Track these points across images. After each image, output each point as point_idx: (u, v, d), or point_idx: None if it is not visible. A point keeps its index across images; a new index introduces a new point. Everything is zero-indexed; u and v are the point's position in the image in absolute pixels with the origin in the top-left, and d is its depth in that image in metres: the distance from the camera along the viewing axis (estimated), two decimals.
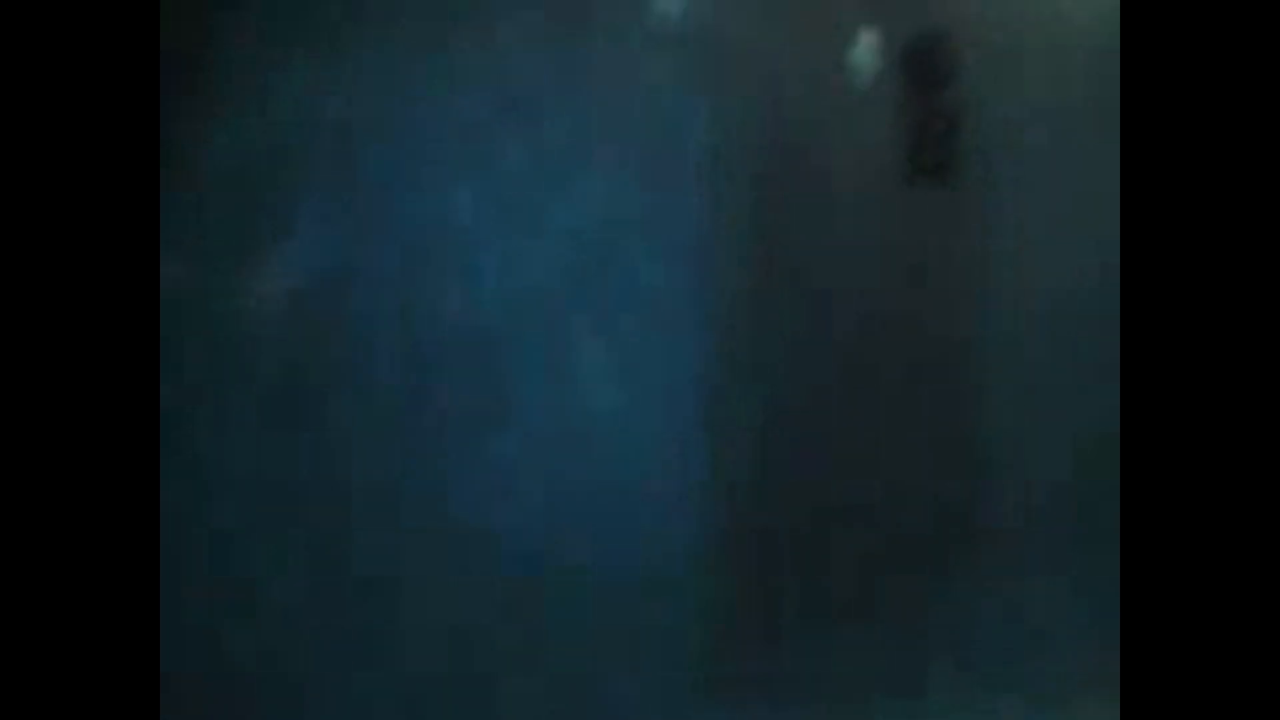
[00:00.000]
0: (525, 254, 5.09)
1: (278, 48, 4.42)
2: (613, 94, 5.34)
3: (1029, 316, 6.15)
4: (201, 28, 4.12)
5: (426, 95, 4.82)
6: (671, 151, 5.67)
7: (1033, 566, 6.07)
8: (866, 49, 5.90)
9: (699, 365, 5.74)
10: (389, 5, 4.74)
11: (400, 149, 4.73)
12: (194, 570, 4.09)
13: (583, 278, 5.23)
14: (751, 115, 6.09)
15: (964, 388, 6.30)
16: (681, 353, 5.68)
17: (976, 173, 6.05)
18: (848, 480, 6.39)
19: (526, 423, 5.05)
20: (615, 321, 5.38)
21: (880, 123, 6.31)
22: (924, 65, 6.06)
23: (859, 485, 6.36)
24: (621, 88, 5.38)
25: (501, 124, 4.98)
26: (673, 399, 5.68)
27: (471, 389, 4.92)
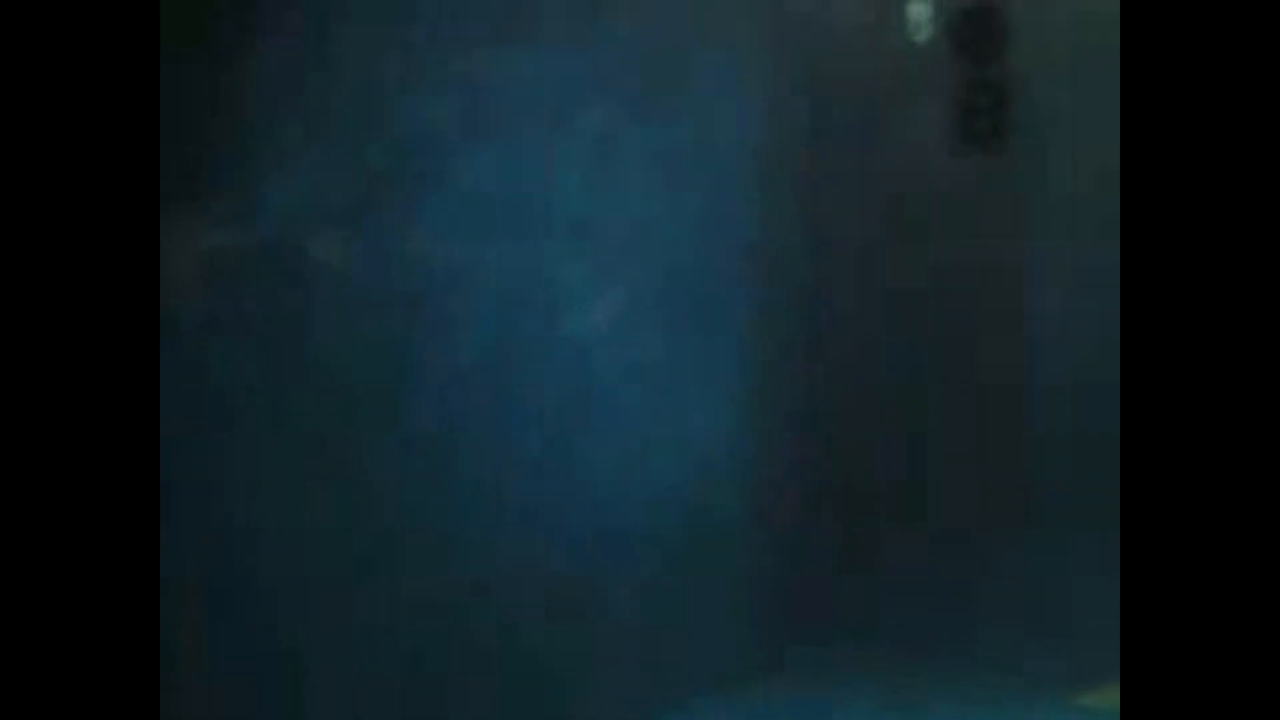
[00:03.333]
0: (573, 245, 5.11)
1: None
2: (660, 70, 5.38)
3: (1074, 291, 6.15)
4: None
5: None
6: (723, 124, 5.72)
7: (1075, 545, 6.08)
8: (921, 11, 5.95)
9: (751, 336, 5.81)
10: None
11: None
12: (194, 570, 4.09)
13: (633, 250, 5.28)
14: (807, 87, 6.15)
15: (1012, 360, 6.31)
16: (733, 325, 5.75)
17: (1024, 144, 6.07)
18: (898, 455, 6.43)
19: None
20: (667, 298, 5.42)
21: (931, 92, 6.34)
22: (973, 36, 6.08)
23: (906, 459, 6.40)
24: (673, 61, 5.43)
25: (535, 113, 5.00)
26: (723, 372, 5.73)
27: (498, 386, 4.92)
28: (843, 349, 6.32)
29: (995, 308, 6.23)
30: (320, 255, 4.28)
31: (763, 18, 5.85)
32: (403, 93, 4.48)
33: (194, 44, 3.87)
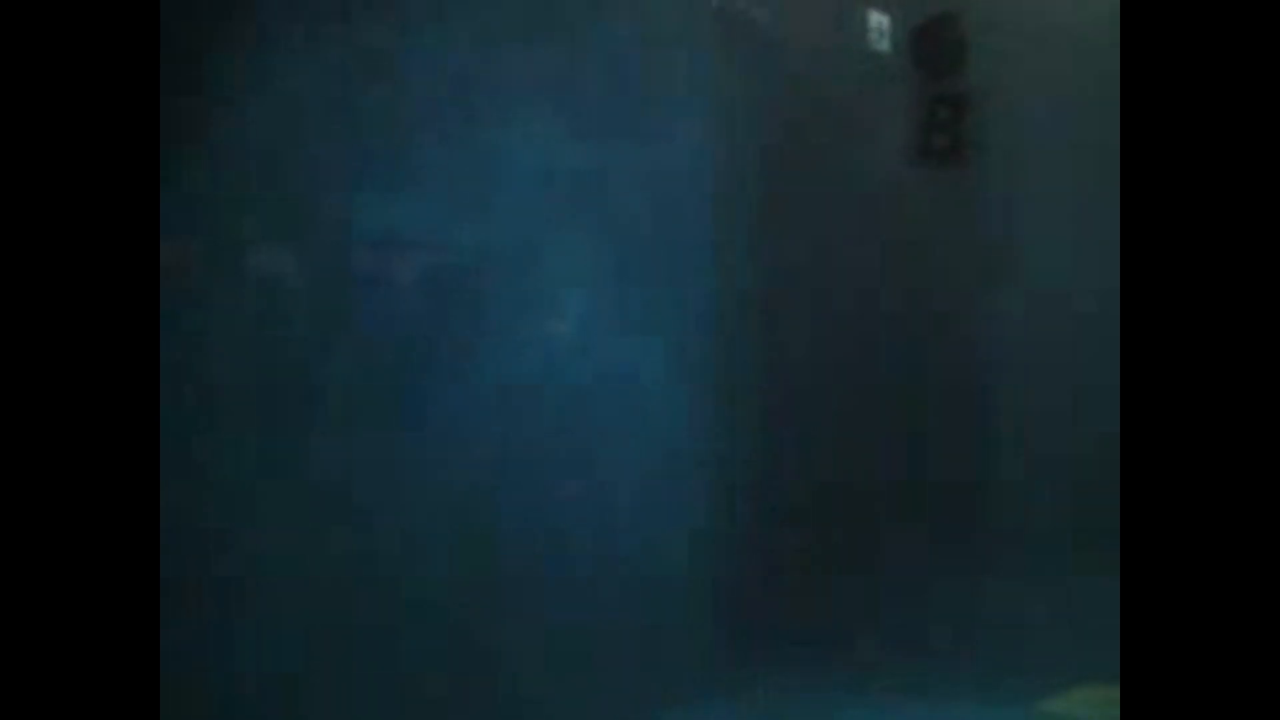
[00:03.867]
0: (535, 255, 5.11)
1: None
2: (624, 71, 5.38)
3: (1036, 300, 6.15)
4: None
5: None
6: (684, 132, 5.71)
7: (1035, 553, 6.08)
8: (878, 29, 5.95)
9: (709, 348, 5.80)
10: None
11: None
12: (194, 570, 4.08)
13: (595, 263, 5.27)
14: (764, 97, 6.12)
15: (969, 374, 6.30)
16: (691, 337, 5.73)
17: (983, 157, 6.06)
18: (853, 463, 6.42)
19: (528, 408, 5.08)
20: (625, 309, 5.41)
21: (890, 106, 6.34)
22: (933, 50, 6.06)
23: (863, 467, 6.39)
24: (635, 67, 5.43)
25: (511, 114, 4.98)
26: (684, 381, 5.72)
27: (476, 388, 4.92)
28: (800, 358, 6.31)
29: (953, 315, 6.23)
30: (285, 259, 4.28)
31: (718, 32, 5.83)
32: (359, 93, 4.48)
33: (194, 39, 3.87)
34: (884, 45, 6.10)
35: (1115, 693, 5.59)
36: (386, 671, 4.52)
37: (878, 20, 6.11)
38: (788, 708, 5.51)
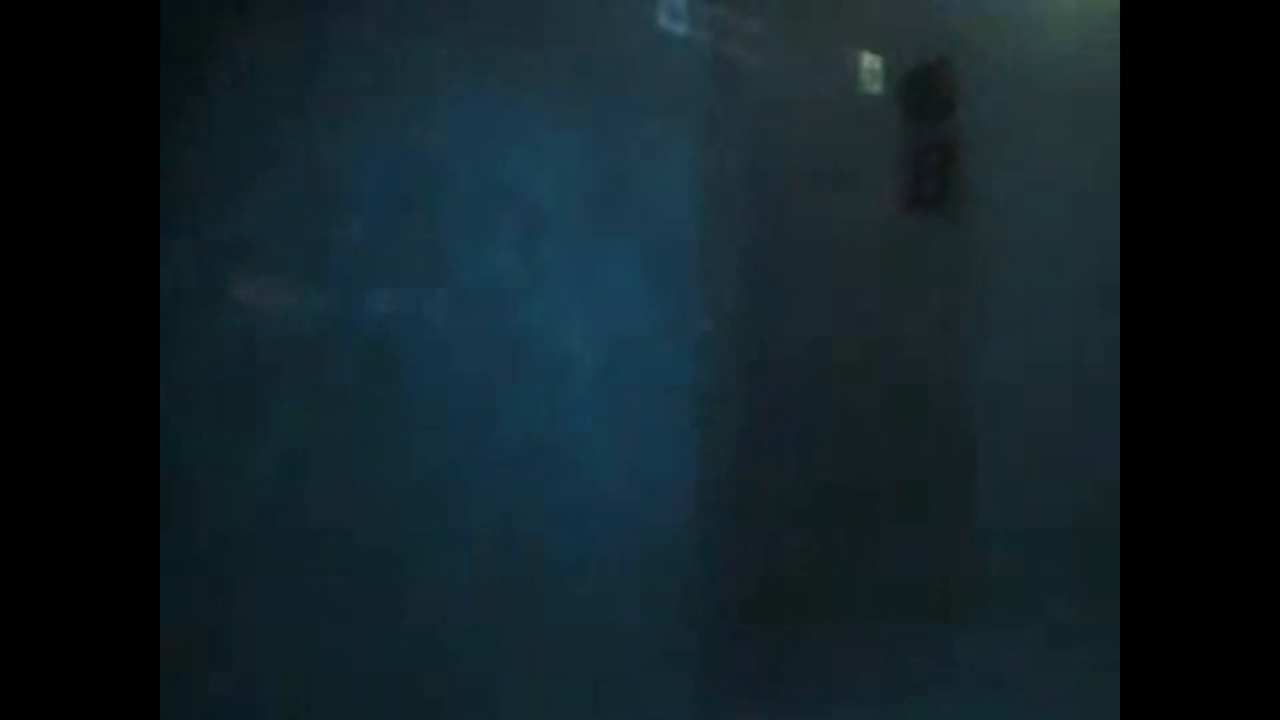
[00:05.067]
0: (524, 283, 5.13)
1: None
2: (614, 109, 5.39)
3: (1027, 348, 6.16)
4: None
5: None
6: (672, 168, 5.71)
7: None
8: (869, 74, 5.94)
9: (693, 380, 5.80)
10: None
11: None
12: (194, 571, 4.08)
13: (583, 291, 5.28)
14: (754, 138, 6.12)
15: (960, 414, 6.32)
16: (675, 369, 5.74)
17: (974, 203, 6.06)
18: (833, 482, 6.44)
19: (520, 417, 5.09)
20: (607, 331, 5.42)
21: (880, 151, 6.33)
22: (922, 95, 6.05)
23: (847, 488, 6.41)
24: (624, 101, 5.42)
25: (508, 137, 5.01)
26: (666, 407, 5.73)
27: (466, 390, 4.94)
28: (788, 400, 6.33)
29: (947, 359, 6.24)
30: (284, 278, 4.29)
31: (705, 75, 5.84)
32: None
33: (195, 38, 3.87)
34: (876, 89, 6.10)
35: None
36: None
37: (870, 62, 6.09)
38: None
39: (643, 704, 5.41)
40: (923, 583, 6.09)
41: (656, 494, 5.62)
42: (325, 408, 4.45)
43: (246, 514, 4.19)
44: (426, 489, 4.75)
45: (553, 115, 5.20)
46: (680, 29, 5.58)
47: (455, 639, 4.77)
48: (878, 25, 6.07)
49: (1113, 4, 5.77)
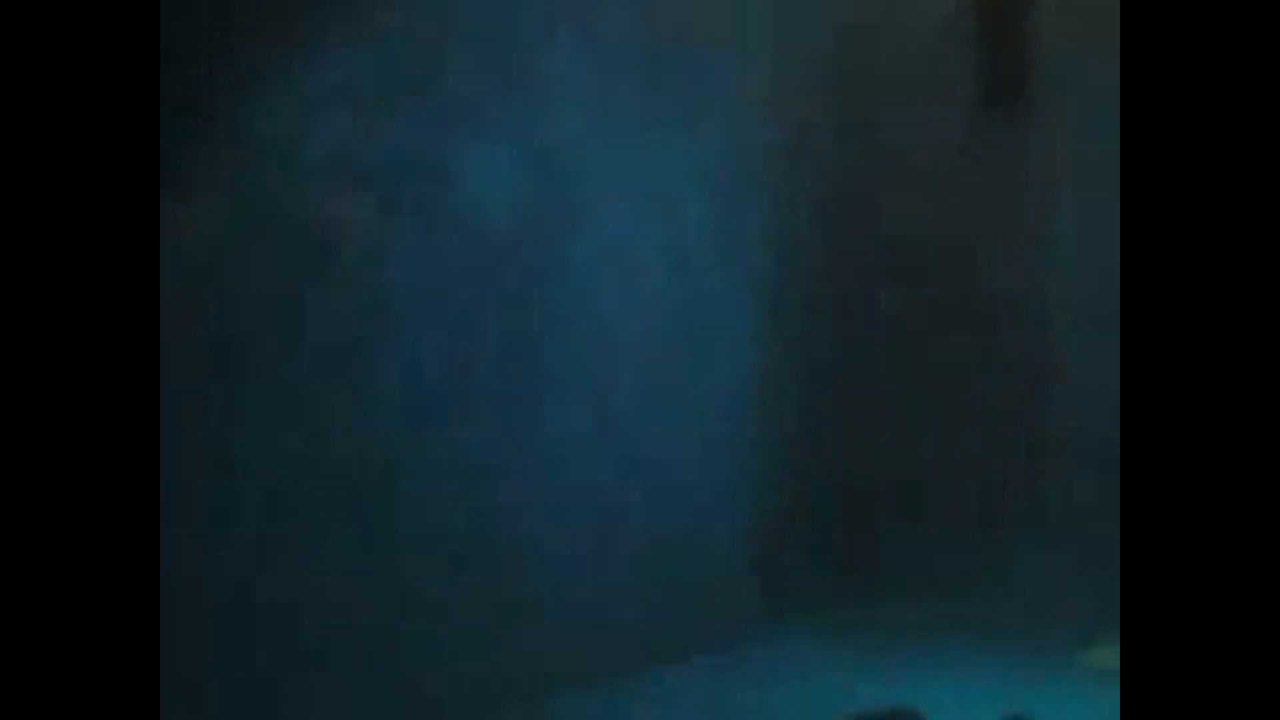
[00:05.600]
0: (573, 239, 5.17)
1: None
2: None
3: (1096, 264, 6.09)
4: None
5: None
6: (737, 78, 5.75)
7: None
8: None
9: (762, 301, 5.86)
10: None
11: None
12: (193, 564, 4.08)
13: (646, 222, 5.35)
14: (823, 41, 6.15)
15: (1030, 329, 6.28)
16: (742, 295, 5.80)
17: (1050, 107, 6.02)
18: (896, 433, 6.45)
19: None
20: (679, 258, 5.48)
21: (956, 52, 6.33)
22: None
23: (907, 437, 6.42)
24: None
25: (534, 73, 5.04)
26: (731, 342, 5.79)
27: (514, 369, 4.96)
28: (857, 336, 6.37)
29: (1013, 294, 6.21)
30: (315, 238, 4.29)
31: None
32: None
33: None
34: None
35: None
36: None
37: None
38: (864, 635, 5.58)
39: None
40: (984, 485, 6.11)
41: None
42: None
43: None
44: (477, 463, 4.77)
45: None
46: None
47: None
48: None
49: None
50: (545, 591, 5.01)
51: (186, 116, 3.66)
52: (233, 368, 4.01)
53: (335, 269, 4.31)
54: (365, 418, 4.41)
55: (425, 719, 4.59)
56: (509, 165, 4.85)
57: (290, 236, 4.19)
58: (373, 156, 4.45)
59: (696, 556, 5.62)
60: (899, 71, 6.32)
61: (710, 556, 5.68)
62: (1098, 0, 5.98)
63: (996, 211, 6.24)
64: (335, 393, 4.31)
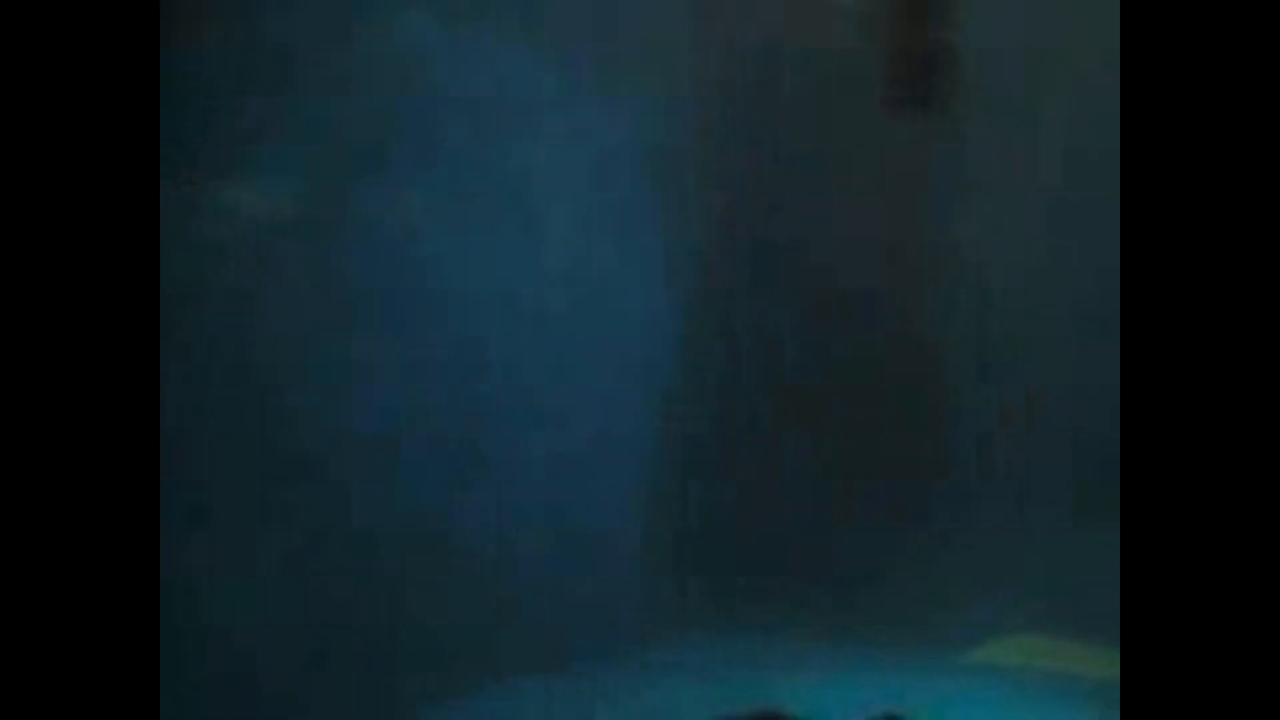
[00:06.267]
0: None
1: None
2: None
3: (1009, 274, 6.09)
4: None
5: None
6: (660, 78, 5.70)
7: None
8: None
9: (672, 303, 5.83)
10: None
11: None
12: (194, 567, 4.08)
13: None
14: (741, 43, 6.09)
15: (936, 322, 6.26)
16: (655, 295, 5.76)
17: (960, 107, 5.98)
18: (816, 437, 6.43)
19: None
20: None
21: (868, 52, 6.28)
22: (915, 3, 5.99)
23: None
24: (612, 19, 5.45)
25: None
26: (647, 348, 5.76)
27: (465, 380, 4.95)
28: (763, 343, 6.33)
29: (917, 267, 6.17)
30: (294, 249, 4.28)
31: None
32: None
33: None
34: None
35: (1044, 643, 5.62)
36: None
37: None
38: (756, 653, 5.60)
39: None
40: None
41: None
42: None
43: None
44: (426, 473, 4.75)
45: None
46: None
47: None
48: None
49: None
50: (452, 591, 4.98)
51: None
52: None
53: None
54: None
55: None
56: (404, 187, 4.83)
57: None
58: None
59: (603, 559, 5.58)
60: (808, 72, 6.23)
61: (616, 559, 5.65)
62: (1011, 4, 5.95)
63: (900, 213, 6.21)
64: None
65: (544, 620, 5.34)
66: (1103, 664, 5.32)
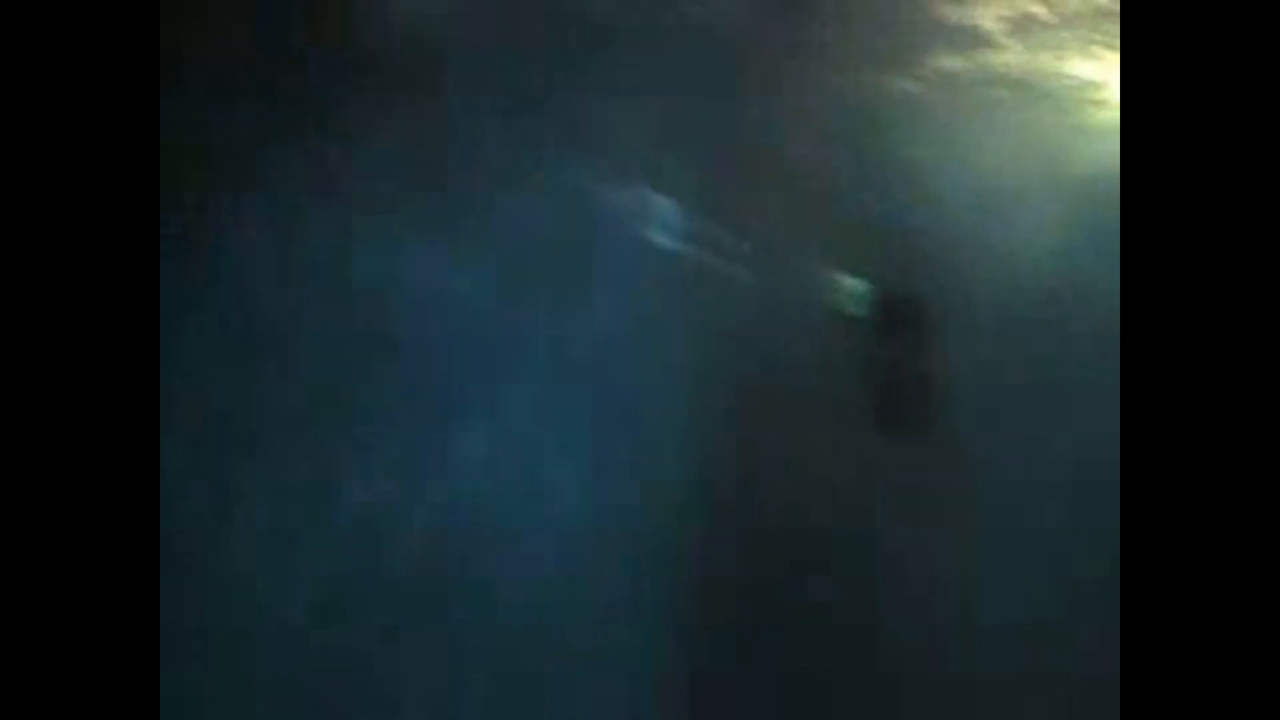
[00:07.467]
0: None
1: None
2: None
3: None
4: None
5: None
6: (650, 388, 5.64)
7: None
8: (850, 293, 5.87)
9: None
10: None
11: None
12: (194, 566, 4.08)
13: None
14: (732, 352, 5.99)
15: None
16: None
17: (948, 426, 5.85)
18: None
19: None
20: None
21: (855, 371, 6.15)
22: (899, 317, 5.92)
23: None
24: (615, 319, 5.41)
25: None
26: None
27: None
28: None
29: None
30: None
31: (688, 291, 5.77)
32: None
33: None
34: (860, 311, 5.98)
35: None
36: None
37: (853, 285, 5.99)
38: None
39: None
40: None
41: None
42: None
43: None
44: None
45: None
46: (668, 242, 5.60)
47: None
48: (861, 250, 5.96)
49: (1097, 249, 5.63)
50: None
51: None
52: None
53: None
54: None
55: None
56: None
57: None
58: None
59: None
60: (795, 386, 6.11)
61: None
62: (1000, 333, 5.89)
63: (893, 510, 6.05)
64: None
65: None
66: None
